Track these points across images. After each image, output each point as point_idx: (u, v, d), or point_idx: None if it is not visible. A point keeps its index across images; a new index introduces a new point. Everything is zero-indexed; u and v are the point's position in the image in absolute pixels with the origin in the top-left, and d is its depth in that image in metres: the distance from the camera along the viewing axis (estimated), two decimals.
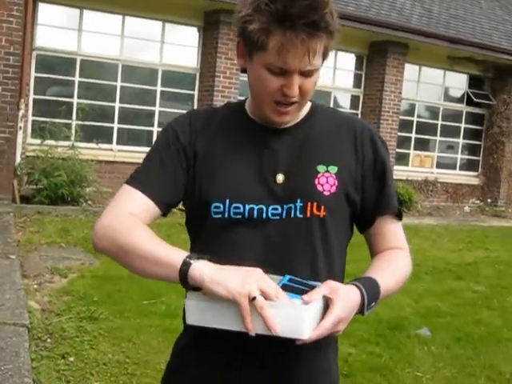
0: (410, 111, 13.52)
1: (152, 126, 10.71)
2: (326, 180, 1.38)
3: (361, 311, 1.29)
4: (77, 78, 9.96)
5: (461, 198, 13.97)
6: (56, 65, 10.03)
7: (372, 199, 1.44)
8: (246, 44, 1.32)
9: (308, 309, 1.19)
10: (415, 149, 13.68)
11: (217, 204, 1.36)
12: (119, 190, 1.40)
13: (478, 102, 14.11)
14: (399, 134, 12.75)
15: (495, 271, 7.55)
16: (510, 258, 8.29)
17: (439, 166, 13.99)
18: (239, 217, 1.35)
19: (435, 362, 4.28)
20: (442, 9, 13.71)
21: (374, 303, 1.31)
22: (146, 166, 1.42)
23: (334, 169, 1.39)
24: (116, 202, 1.37)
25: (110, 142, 10.28)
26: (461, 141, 14.42)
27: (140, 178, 1.39)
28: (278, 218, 1.35)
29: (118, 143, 10.37)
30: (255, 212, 1.35)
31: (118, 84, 10.31)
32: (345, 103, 13.02)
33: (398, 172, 12.31)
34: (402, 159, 13.31)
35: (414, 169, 13.52)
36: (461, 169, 14.44)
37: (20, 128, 9.01)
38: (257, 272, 1.19)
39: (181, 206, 1.45)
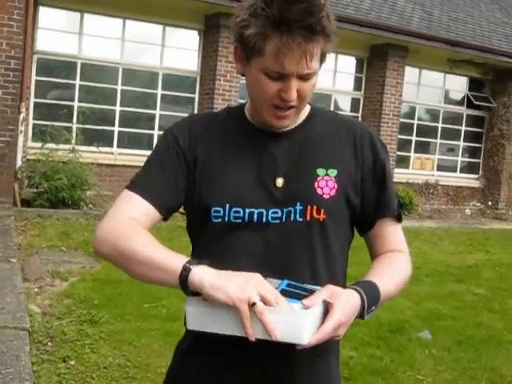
0: (411, 114, 13.52)
1: (152, 129, 10.72)
2: (326, 183, 1.38)
3: (361, 315, 1.29)
4: (77, 82, 9.97)
5: (461, 201, 13.96)
6: (57, 68, 10.05)
7: (372, 202, 1.44)
8: (243, 49, 1.32)
9: (307, 314, 1.19)
10: (416, 151, 13.68)
11: (217, 208, 1.36)
12: (120, 195, 1.41)
13: (478, 105, 14.11)
14: (400, 136, 12.75)
15: (496, 274, 7.54)
16: (510, 261, 8.28)
17: (440, 168, 13.98)
18: (239, 221, 1.35)
19: (436, 365, 4.27)
20: (442, 12, 13.72)
21: (374, 307, 1.31)
22: (146, 170, 1.42)
23: (333, 172, 1.39)
24: (117, 207, 1.38)
25: (110, 145, 10.29)
26: (461, 143, 14.42)
27: (140, 183, 1.40)
28: (277, 221, 1.36)
29: (118, 146, 10.38)
30: (255, 216, 1.35)
31: (119, 87, 10.32)
32: (345, 106, 13.03)
33: (399, 175, 12.31)
34: (403, 162, 13.30)
35: (414, 171, 13.52)
36: (461, 171, 14.44)
37: (21, 131, 9.01)
38: (256, 277, 1.19)
39: (182, 209, 1.46)
